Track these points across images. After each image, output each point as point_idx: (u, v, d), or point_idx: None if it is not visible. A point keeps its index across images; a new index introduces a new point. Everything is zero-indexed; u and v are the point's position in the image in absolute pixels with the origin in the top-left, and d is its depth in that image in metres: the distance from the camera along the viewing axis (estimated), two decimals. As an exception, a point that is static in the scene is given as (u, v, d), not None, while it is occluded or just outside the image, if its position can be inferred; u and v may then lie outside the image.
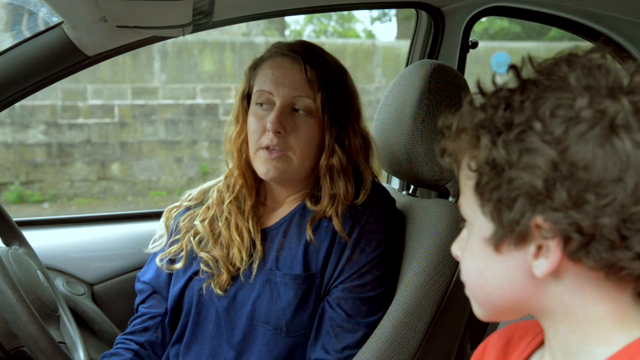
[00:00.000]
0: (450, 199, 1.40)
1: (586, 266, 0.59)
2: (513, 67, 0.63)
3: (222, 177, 1.43)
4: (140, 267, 1.67)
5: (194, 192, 1.48)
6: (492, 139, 0.60)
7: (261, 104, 1.30)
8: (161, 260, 1.41)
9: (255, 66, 1.36)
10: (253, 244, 1.33)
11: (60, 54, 1.28)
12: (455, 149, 0.64)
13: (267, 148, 1.26)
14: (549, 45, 8.17)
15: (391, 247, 1.31)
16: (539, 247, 0.60)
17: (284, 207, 1.38)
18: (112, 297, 1.79)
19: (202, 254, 1.35)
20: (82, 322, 1.68)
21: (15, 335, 1.15)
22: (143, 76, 6.74)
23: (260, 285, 1.30)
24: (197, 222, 1.38)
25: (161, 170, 6.76)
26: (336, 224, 1.28)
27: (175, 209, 1.47)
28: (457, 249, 0.71)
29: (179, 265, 1.39)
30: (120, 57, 1.51)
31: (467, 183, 0.65)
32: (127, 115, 6.64)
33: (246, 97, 1.36)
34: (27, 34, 1.31)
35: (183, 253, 1.38)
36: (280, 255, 1.31)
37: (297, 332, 1.28)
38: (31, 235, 1.50)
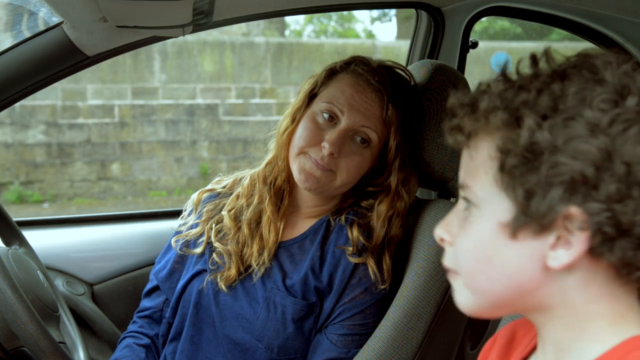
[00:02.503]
0: (452, 199, 1.40)
1: (604, 262, 0.58)
2: (534, 57, 0.62)
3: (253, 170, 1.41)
4: (140, 267, 1.67)
5: (228, 179, 1.47)
6: (537, 121, 0.58)
7: (324, 115, 1.27)
8: (177, 241, 1.41)
9: (332, 73, 1.31)
10: (266, 254, 1.32)
11: (60, 54, 1.28)
12: (475, 128, 0.62)
13: (315, 161, 1.24)
14: (549, 46, 8.15)
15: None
16: (559, 238, 0.58)
17: (305, 221, 1.36)
18: (112, 297, 1.79)
19: (217, 244, 1.35)
20: (82, 322, 1.68)
21: (15, 335, 1.15)
22: (143, 76, 6.74)
23: (261, 300, 1.29)
24: (224, 212, 1.37)
25: (161, 170, 6.75)
26: (372, 265, 1.26)
27: (207, 192, 1.46)
28: (445, 233, 0.67)
29: (194, 250, 1.39)
30: (120, 57, 1.51)
31: (486, 164, 0.62)
32: (127, 115, 6.64)
33: (310, 97, 1.32)
34: (27, 34, 1.31)
35: (203, 239, 1.38)
36: (286, 277, 1.30)
37: (287, 355, 1.28)
38: (31, 235, 1.50)
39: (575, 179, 0.56)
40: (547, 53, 0.62)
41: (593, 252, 0.58)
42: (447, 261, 0.68)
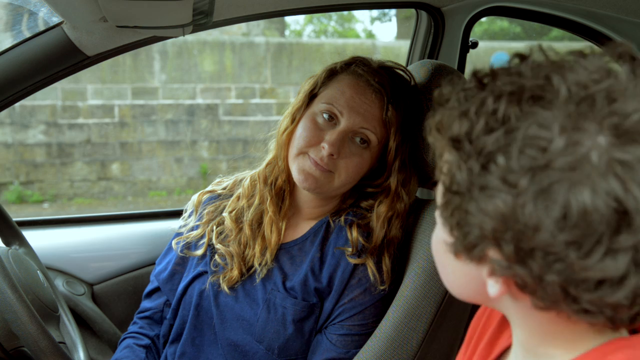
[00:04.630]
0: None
1: (533, 304, 0.57)
2: (519, 57, 0.59)
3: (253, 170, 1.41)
4: (140, 267, 1.66)
5: (228, 180, 1.47)
6: (459, 161, 0.56)
7: (323, 115, 1.27)
8: (178, 243, 1.41)
9: (332, 73, 1.31)
10: (268, 254, 1.32)
11: (60, 54, 1.28)
12: (435, 139, 0.62)
13: (315, 162, 1.24)
14: (549, 46, 8.15)
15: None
16: (492, 269, 0.58)
17: (305, 223, 1.36)
18: (112, 297, 1.79)
19: (219, 246, 1.35)
20: (82, 322, 1.68)
21: (15, 335, 1.15)
22: (143, 76, 6.74)
23: (261, 302, 1.29)
24: (225, 214, 1.37)
25: (161, 170, 6.75)
26: (371, 266, 1.26)
27: (207, 194, 1.46)
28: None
29: (195, 252, 1.39)
30: (120, 57, 1.50)
31: (440, 183, 0.62)
32: (127, 115, 6.64)
33: (310, 97, 1.31)
34: (27, 34, 1.31)
35: (204, 241, 1.38)
36: (286, 279, 1.30)
37: (288, 356, 1.28)
38: (31, 235, 1.50)
39: (481, 232, 0.55)
40: (533, 51, 0.58)
41: (522, 290, 0.57)
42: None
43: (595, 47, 0.58)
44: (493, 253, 0.56)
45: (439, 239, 0.65)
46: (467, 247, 0.57)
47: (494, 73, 0.58)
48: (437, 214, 0.63)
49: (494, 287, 0.59)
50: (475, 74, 0.60)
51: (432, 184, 1.41)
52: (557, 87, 0.53)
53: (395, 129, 1.27)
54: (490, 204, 0.53)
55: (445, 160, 0.59)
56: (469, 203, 0.55)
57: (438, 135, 0.60)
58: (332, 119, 1.26)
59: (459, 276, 0.64)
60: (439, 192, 0.62)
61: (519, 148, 0.52)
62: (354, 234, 1.28)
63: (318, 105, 1.28)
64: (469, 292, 0.65)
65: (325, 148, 1.22)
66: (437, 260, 0.68)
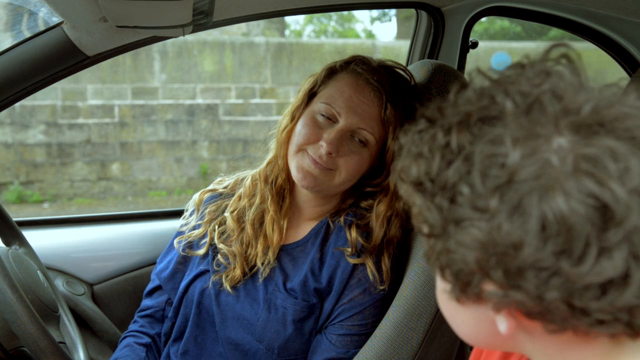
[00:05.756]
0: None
1: (546, 330, 0.54)
2: (462, 86, 0.56)
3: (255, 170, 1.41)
4: (141, 267, 1.66)
5: (230, 179, 1.47)
6: (426, 202, 0.55)
7: (322, 114, 1.26)
8: (179, 242, 1.41)
9: (332, 72, 1.31)
10: (271, 253, 1.32)
11: (60, 54, 1.28)
12: (402, 191, 0.59)
13: (314, 160, 1.24)
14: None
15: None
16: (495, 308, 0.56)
17: (306, 224, 1.36)
18: (112, 297, 1.79)
19: (222, 246, 1.35)
20: (82, 322, 1.68)
21: (15, 335, 1.15)
22: (143, 76, 6.74)
23: (262, 302, 1.29)
24: (227, 214, 1.37)
25: (161, 170, 6.75)
26: (370, 266, 1.26)
27: (208, 192, 1.46)
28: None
29: (197, 252, 1.39)
30: (120, 57, 1.51)
31: (418, 230, 0.60)
32: (127, 115, 6.64)
33: (310, 96, 1.31)
34: (27, 34, 1.31)
35: (206, 240, 1.38)
36: (287, 280, 1.30)
37: (288, 356, 1.28)
38: (31, 235, 1.50)
39: (467, 267, 0.53)
40: (479, 72, 0.56)
41: (531, 318, 0.54)
42: None
43: (533, 56, 0.56)
44: (488, 286, 0.53)
45: (439, 290, 0.63)
46: (462, 287, 0.55)
47: (440, 109, 0.57)
48: (428, 264, 0.61)
49: (503, 323, 0.56)
50: (422, 114, 0.58)
51: None
52: (501, 103, 0.52)
53: (394, 128, 1.26)
54: (466, 236, 0.51)
55: (415, 206, 0.57)
56: (448, 241, 0.53)
57: (403, 184, 0.58)
58: (331, 118, 1.26)
59: (470, 323, 0.61)
60: (425, 245, 0.60)
61: (479, 171, 0.51)
62: (353, 234, 1.28)
63: (317, 104, 1.28)
64: (485, 337, 0.62)
65: (323, 146, 1.22)
66: (446, 314, 0.65)
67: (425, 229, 0.56)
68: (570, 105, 0.50)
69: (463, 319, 0.62)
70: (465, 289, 0.55)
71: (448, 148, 0.53)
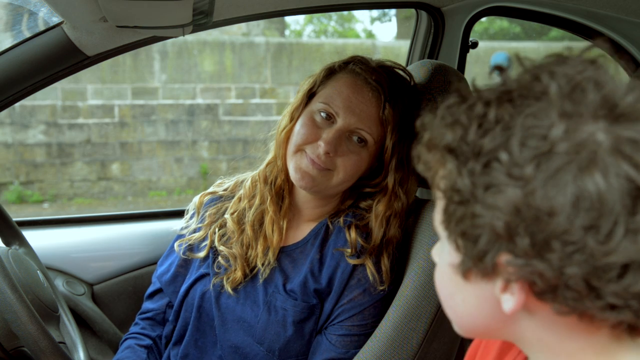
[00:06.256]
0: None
1: (554, 310, 0.54)
2: (499, 69, 0.57)
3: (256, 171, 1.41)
4: (141, 267, 1.66)
5: (230, 182, 1.46)
6: (458, 166, 0.54)
7: (321, 114, 1.27)
8: (180, 245, 1.41)
9: (331, 72, 1.31)
10: (271, 254, 1.32)
11: (60, 54, 1.28)
12: (427, 161, 0.59)
13: (312, 160, 1.24)
14: (549, 45, 8.16)
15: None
16: (507, 282, 0.56)
17: (305, 225, 1.36)
18: (112, 297, 1.79)
19: (222, 248, 1.35)
20: (82, 322, 1.68)
21: (15, 335, 1.15)
22: (143, 76, 6.74)
23: (262, 304, 1.29)
24: (227, 216, 1.37)
25: (161, 170, 6.75)
26: (370, 267, 1.26)
27: (209, 195, 1.45)
28: (436, 255, 0.67)
29: (197, 254, 1.38)
30: (120, 57, 1.51)
31: (438, 202, 0.60)
32: (127, 115, 6.64)
33: (309, 96, 1.31)
34: (27, 34, 1.31)
35: (206, 243, 1.38)
36: (287, 281, 1.30)
37: (288, 357, 1.28)
38: (31, 235, 1.50)
39: (492, 232, 0.53)
40: (513, 62, 0.58)
41: (540, 298, 0.54)
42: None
43: (573, 49, 0.57)
44: (506, 256, 0.53)
45: (445, 265, 0.62)
46: (478, 256, 0.54)
47: (476, 88, 0.58)
48: (441, 232, 0.60)
49: (509, 300, 0.56)
50: (457, 89, 0.59)
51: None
52: (546, 83, 0.53)
53: (392, 128, 1.26)
54: (499, 199, 0.51)
55: (442, 175, 0.57)
56: (474, 206, 0.53)
57: (429, 154, 0.58)
58: (329, 118, 1.26)
59: (471, 303, 0.60)
60: (438, 212, 0.59)
61: (518, 140, 0.51)
62: (353, 235, 1.28)
63: (316, 105, 1.28)
64: (484, 319, 0.61)
65: (321, 146, 1.22)
66: (444, 295, 0.64)
67: (449, 196, 0.56)
68: (611, 94, 0.51)
69: (464, 298, 0.61)
70: (480, 259, 0.55)
71: (486, 118, 0.54)
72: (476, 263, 0.55)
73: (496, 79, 0.59)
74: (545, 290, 0.53)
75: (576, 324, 0.56)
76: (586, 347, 0.58)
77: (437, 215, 0.60)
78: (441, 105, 0.59)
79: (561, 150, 0.50)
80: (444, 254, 0.62)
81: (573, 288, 0.52)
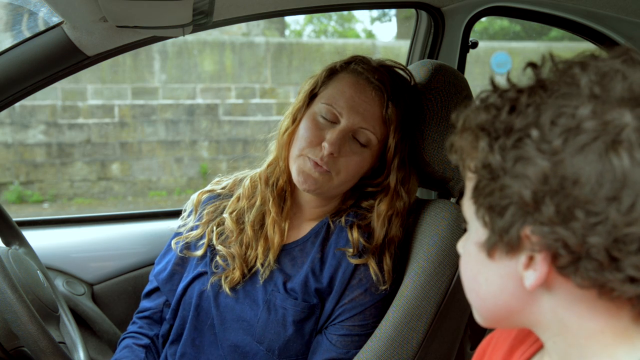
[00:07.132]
0: (452, 199, 1.40)
1: (576, 283, 0.56)
2: (532, 65, 0.61)
3: (254, 170, 1.40)
4: (140, 267, 1.66)
5: (228, 180, 1.46)
6: (490, 142, 0.58)
7: (323, 115, 1.26)
8: (177, 243, 1.41)
9: (332, 73, 1.30)
10: (271, 254, 1.32)
11: (60, 54, 1.28)
12: (460, 146, 0.63)
13: (314, 162, 1.24)
14: (549, 45, 8.16)
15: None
16: (530, 258, 0.58)
17: (306, 224, 1.36)
18: (112, 297, 1.79)
19: (220, 247, 1.34)
20: (82, 322, 1.68)
21: (15, 335, 1.15)
22: (143, 76, 6.74)
23: (262, 303, 1.29)
24: (226, 215, 1.37)
25: (161, 170, 6.75)
26: (373, 266, 1.26)
27: (207, 193, 1.45)
28: (461, 247, 0.70)
29: (195, 253, 1.38)
30: (120, 57, 1.51)
31: (468, 184, 0.63)
32: (127, 115, 6.64)
33: (310, 97, 1.31)
34: (27, 34, 1.31)
35: (204, 241, 1.37)
36: (287, 280, 1.30)
37: (288, 357, 1.28)
38: (31, 235, 1.50)
39: (519, 201, 0.55)
40: (545, 59, 0.60)
41: (562, 272, 0.57)
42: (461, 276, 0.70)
43: (600, 51, 0.60)
44: (528, 231, 0.56)
45: (471, 244, 0.64)
46: (504, 228, 0.57)
47: (510, 83, 0.62)
48: (469, 214, 0.63)
49: (532, 275, 0.58)
50: (491, 79, 0.63)
51: (436, 187, 1.41)
52: (577, 72, 0.56)
53: (395, 127, 1.27)
54: (529, 168, 0.54)
55: (474, 156, 0.60)
56: (503, 178, 0.56)
57: (462, 139, 0.62)
58: (332, 119, 1.26)
59: (494, 282, 0.62)
60: (467, 193, 0.63)
61: (549, 119, 0.55)
62: (355, 235, 1.28)
63: (318, 105, 1.28)
64: (505, 300, 0.63)
65: (325, 147, 1.22)
66: (467, 278, 0.67)
67: (481, 175, 0.59)
68: (637, 84, 0.54)
69: (487, 277, 0.63)
70: (507, 231, 0.57)
71: (518, 100, 0.58)
72: (502, 236, 0.58)
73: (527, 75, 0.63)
74: (568, 263, 0.55)
75: (596, 300, 0.57)
76: (606, 329, 0.59)
77: (467, 196, 0.63)
78: (475, 95, 0.64)
79: (588, 127, 0.53)
80: (470, 236, 0.65)
81: (594, 258, 0.54)
